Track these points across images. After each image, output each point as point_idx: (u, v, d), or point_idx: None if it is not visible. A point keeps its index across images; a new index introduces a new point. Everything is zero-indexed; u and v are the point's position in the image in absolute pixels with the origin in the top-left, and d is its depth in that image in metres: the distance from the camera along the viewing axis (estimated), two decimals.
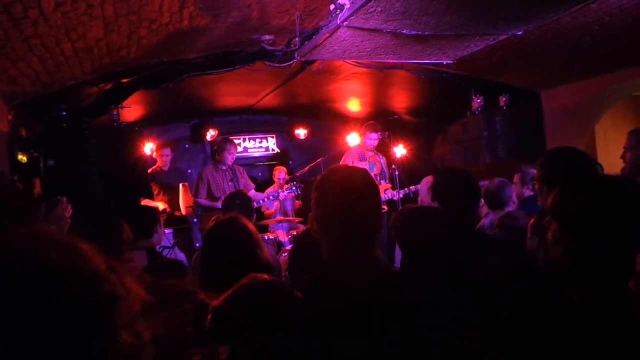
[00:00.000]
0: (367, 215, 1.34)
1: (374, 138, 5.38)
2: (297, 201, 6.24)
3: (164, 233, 3.28)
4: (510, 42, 3.43)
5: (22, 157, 3.61)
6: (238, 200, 3.21)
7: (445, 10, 2.51)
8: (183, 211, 5.47)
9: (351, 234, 1.32)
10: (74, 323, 0.51)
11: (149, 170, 5.67)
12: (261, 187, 6.46)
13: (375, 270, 1.35)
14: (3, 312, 0.48)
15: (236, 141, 5.95)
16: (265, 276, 1.25)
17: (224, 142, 5.27)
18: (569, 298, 1.15)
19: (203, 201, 5.11)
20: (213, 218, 3.60)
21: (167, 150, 5.85)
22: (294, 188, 5.46)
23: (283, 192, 5.48)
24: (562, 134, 4.71)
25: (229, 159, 5.22)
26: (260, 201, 5.41)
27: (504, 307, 1.31)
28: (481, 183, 3.42)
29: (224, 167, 5.20)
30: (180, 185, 5.47)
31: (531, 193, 3.32)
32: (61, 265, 0.53)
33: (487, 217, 3.30)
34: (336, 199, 1.34)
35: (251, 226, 2.03)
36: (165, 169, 5.82)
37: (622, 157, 3.22)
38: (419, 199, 2.63)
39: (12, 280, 0.50)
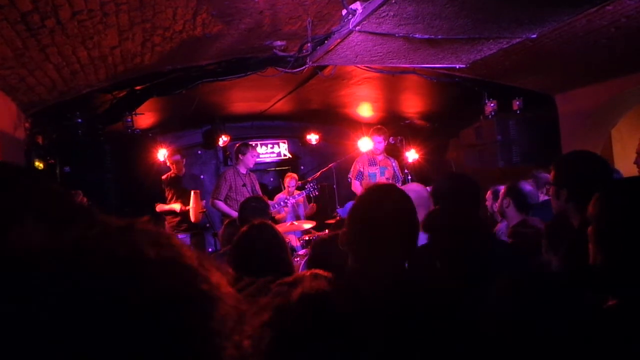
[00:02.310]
0: (402, 232, 1.35)
1: (378, 141, 5.39)
2: (310, 204, 6.20)
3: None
4: (524, 46, 3.40)
5: (38, 164, 3.67)
6: (254, 203, 3.22)
7: (458, 14, 2.49)
8: (193, 218, 5.49)
9: (385, 249, 1.32)
10: (165, 328, 0.41)
11: (164, 177, 5.72)
12: (272, 192, 6.48)
13: (402, 278, 1.35)
14: (83, 313, 0.39)
15: None
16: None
17: (245, 147, 5.31)
18: (597, 306, 1.13)
19: (222, 205, 5.12)
20: (226, 222, 3.62)
21: (178, 157, 5.89)
22: (310, 189, 5.45)
23: (293, 198, 5.48)
24: (578, 138, 4.64)
25: (252, 162, 5.28)
26: (272, 208, 5.42)
27: (520, 317, 1.29)
28: (498, 187, 3.39)
29: (243, 172, 5.26)
30: (192, 192, 5.50)
31: (546, 197, 3.27)
32: (153, 259, 0.44)
33: (502, 222, 3.25)
34: (373, 218, 1.35)
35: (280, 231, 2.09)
36: (181, 174, 5.86)
37: (635, 162, 3.18)
38: None
39: (94, 276, 0.41)
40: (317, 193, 5.49)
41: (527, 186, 2.90)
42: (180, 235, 5.31)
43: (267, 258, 1.97)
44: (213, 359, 0.44)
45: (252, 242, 2.02)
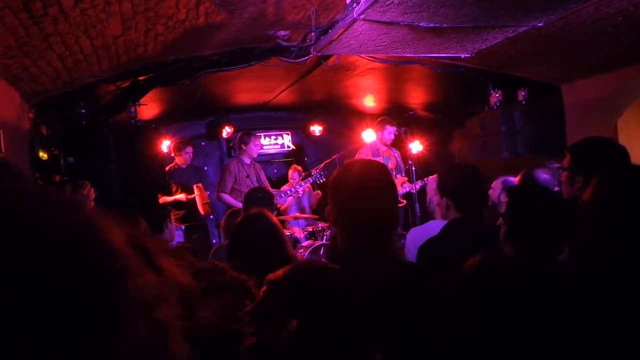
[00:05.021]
0: (382, 210, 1.33)
1: (393, 131, 5.37)
2: (315, 192, 6.18)
3: (175, 229, 3.29)
4: (530, 35, 3.36)
5: (42, 155, 3.67)
6: (260, 194, 3.21)
7: (464, 2, 2.46)
8: (201, 210, 5.50)
9: (366, 228, 1.31)
10: (67, 297, 0.42)
11: (167, 168, 5.73)
12: (277, 184, 6.47)
13: (391, 264, 1.34)
14: None
15: None
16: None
17: (247, 136, 5.30)
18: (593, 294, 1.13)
19: (228, 198, 5.12)
20: (228, 212, 3.63)
21: (189, 148, 5.89)
22: (317, 176, 5.45)
23: (299, 186, 5.49)
24: (583, 128, 4.60)
25: (255, 151, 5.29)
26: (278, 197, 5.42)
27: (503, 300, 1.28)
28: (508, 178, 3.36)
29: (247, 162, 5.26)
30: (194, 186, 5.51)
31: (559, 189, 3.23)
32: (48, 223, 0.44)
33: None
34: (351, 194, 1.34)
35: (277, 221, 2.06)
36: (184, 166, 5.86)
37: None
38: (428, 197, 2.60)
39: None
40: (324, 179, 5.48)
41: (544, 175, 2.82)
42: (178, 228, 5.32)
43: (264, 248, 1.90)
44: (117, 331, 0.44)
45: (243, 233, 1.97)
